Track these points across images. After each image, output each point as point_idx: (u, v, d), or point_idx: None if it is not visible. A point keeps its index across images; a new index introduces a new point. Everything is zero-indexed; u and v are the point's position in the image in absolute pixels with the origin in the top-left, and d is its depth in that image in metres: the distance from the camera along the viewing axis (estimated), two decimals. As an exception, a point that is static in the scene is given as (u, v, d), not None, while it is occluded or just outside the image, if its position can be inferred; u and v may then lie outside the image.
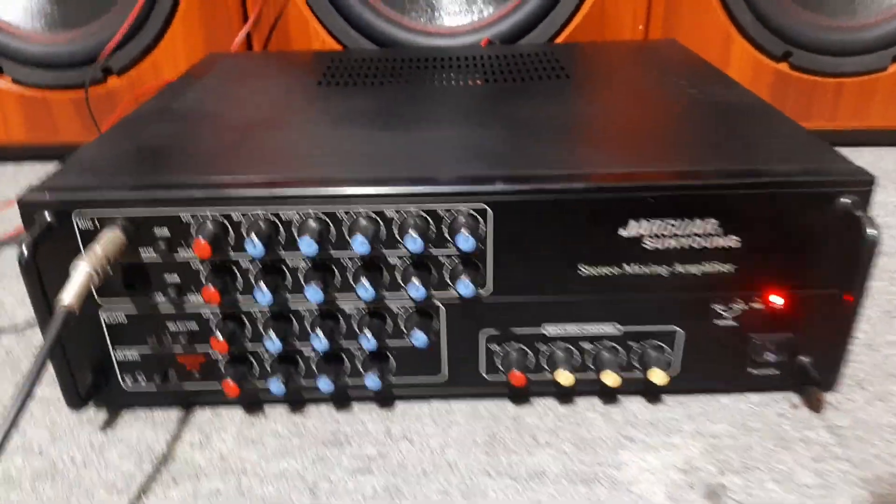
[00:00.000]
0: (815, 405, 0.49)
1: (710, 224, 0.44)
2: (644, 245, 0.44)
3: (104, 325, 0.47)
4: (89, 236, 0.43)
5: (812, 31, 0.86)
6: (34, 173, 0.93)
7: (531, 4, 0.85)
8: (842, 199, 0.43)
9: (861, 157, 0.89)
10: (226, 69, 0.72)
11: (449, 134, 0.51)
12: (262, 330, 0.47)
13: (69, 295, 0.38)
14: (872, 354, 0.54)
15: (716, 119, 0.53)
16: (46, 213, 0.43)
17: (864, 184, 0.43)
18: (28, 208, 0.43)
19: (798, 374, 0.48)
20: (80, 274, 0.39)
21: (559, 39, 0.86)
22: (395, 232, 0.43)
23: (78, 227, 0.43)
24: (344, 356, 0.48)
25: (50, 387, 0.52)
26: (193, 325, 0.47)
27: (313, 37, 0.88)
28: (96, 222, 0.43)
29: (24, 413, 0.45)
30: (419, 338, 0.45)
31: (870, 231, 0.42)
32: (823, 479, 0.43)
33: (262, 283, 0.44)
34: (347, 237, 0.43)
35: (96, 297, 0.46)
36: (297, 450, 0.47)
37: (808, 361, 0.48)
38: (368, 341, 0.45)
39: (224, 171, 0.45)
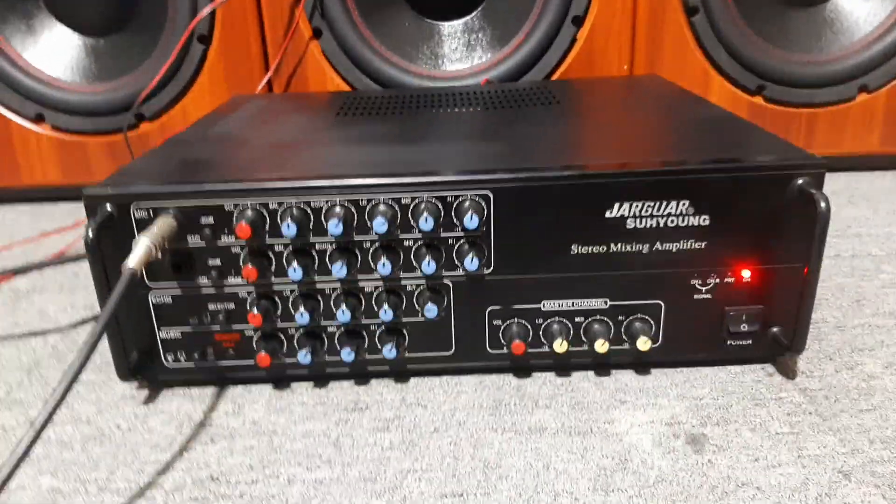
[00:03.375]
0: (788, 371, 0.54)
1: (683, 205, 0.50)
2: (626, 225, 0.51)
3: (152, 307, 0.53)
4: (145, 226, 0.50)
5: (783, 66, 0.95)
6: (69, 212, 1.01)
7: (525, 50, 0.94)
8: (799, 181, 0.49)
9: (836, 181, 0.97)
10: (252, 107, 0.80)
11: (454, 145, 0.59)
12: (291, 307, 0.53)
13: (133, 260, 0.45)
14: (841, 334, 0.60)
15: (689, 126, 0.61)
16: (108, 205, 0.50)
17: (818, 166, 0.50)
18: (92, 201, 0.50)
19: (770, 342, 0.53)
20: (142, 245, 0.45)
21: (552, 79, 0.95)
22: (410, 216, 0.50)
23: (134, 217, 0.50)
24: (364, 333, 0.54)
25: (94, 372, 0.58)
26: (231, 305, 0.53)
27: (329, 83, 0.97)
28: (151, 213, 0.50)
29: (86, 368, 0.52)
30: (431, 310, 0.51)
31: (822, 204, 0.48)
32: (794, 428, 0.48)
33: (294, 263, 0.50)
34: (368, 221, 0.50)
35: (146, 280, 0.52)
36: (322, 415, 0.52)
37: (779, 330, 0.53)
38: (386, 313, 0.51)
39: (261, 173, 0.53)
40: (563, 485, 0.44)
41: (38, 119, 0.99)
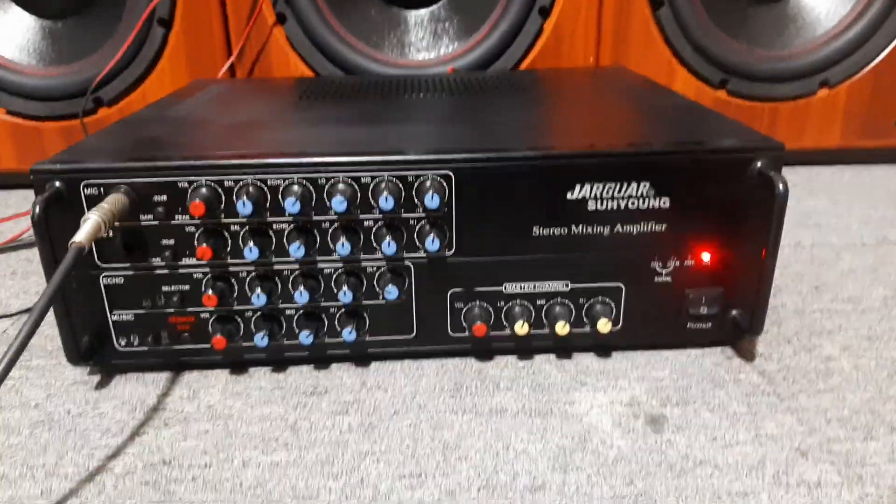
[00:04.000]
0: (747, 354, 0.54)
1: (644, 186, 0.50)
2: (588, 207, 0.50)
3: (103, 289, 0.51)
4: (95, 204, 0.48)
5: (746, 60, 0.96)
6: (24, 198, 0.98)
7: (491, 40, 0.94)
8: (758, 163, 0.50)
9: (797, 174, 0.98)
10: (212, 90, 0.78)
11: (417, 127, 0.58)
12: (248, 289, 0.51)
13: (80, 235, 0.43)
14: (800, 318, 0.60)
15: (652, 112, 0.61)
16: (57, 182, 0.48)
17: (776, 149, 0.50)
18: (40, 177, 0.48)
19: (730, 325, 0.54)
20: (90, 221, 0.44)
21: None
22: (370, 196, 0.49)
23: (84, 194, 0.48)
24: (322, 315, 0.53)
25: (44, 357, 0.56)
26: (185, 286, 0.51)
27: (293, 70, 0.95)
28: (101, 190, 0.48)
29: (36, 354, 0.50)
30: (392, 292, 0.50)
31: (780, 186, 0.48)
32: (752, 408, 0.49)
33: (250, 242, 0.49)
34: (327, 201, 0.49)
35: (97, 261, 0.50)
36: (280, 399, 0.51)
37: (738, 313, 0.53)
38: (345, 295, 0.50)
39: (217, 150, 0.51)
40: (523, 464, 0.44)
41: (-8, 103, 0.96)
